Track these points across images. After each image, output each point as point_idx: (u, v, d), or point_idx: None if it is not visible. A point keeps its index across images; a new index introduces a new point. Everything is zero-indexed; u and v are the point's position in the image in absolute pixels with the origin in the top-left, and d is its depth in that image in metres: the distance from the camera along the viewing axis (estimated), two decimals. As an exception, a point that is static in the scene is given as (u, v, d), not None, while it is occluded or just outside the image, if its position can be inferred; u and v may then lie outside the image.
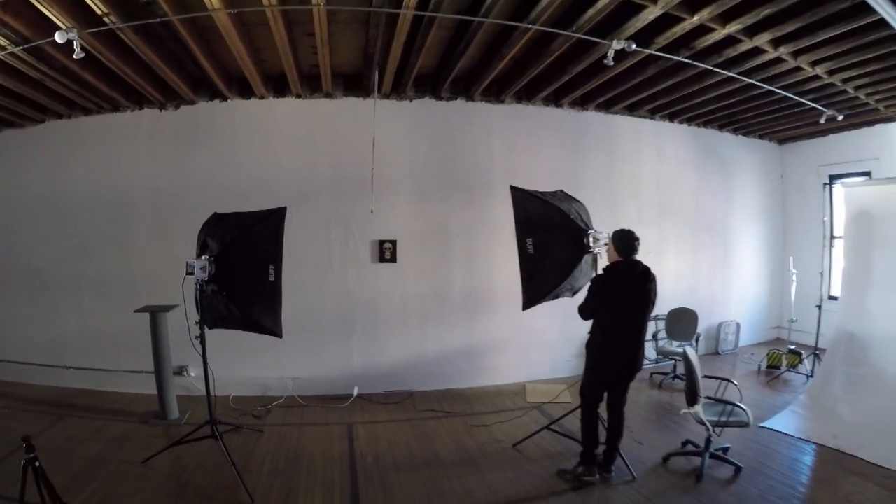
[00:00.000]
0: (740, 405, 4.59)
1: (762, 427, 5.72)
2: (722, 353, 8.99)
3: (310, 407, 6.48)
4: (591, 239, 4.97)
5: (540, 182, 5.64)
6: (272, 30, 4.83)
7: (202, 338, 4.70)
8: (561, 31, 4.96)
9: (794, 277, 8.26)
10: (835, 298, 7.91)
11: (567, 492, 4.44)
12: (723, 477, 4.64)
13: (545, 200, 5.19)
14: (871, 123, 8.38)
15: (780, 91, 6.60)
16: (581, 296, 4.75)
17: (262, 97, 6.84)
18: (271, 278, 4.80)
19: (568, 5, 4.66)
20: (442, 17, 4.65)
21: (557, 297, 5.10)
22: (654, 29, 4.93)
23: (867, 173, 8.51)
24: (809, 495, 4.39)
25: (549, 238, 5.07)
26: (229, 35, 4.83)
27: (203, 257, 4.59)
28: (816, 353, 7.53)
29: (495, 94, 7.30)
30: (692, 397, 4.60)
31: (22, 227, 7.08)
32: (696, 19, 4.61)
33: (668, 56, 5.45)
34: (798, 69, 5.93)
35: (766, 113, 8.18)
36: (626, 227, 4.61)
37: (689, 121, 8.83)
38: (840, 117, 7.44)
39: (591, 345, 4.64)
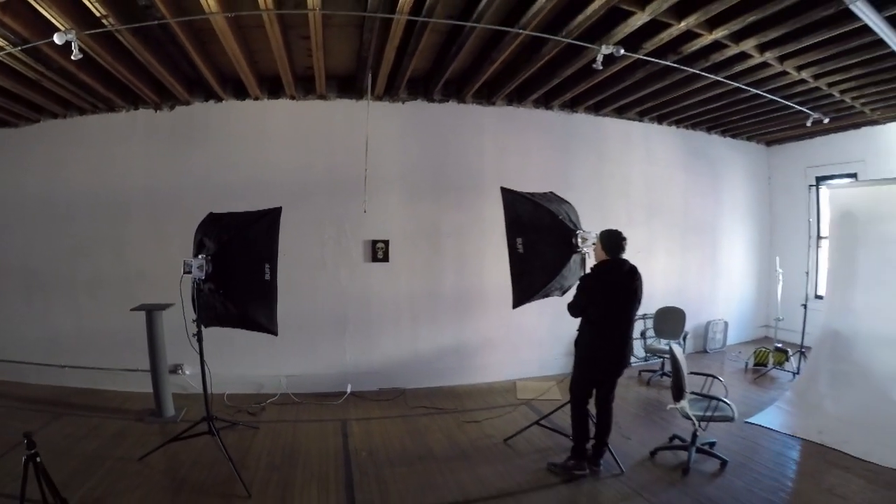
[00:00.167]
0: (725, 400, 4.73)
1: (748, 423, 5.83)
2: (710, 352, 9.12)
3: (304, 404, 6.55)
4: (579, 239, 5.10)
5: (530, 183, 5.75)
6: (268, 33, 4.90)
7: (199, 335, 4.76)
8: (551, 36, 5.04)
9: (781, 277, 8.40)
10: (821, 297, 8.04)
11: (557, 485, 4.55)
12: (709, 471, 4.75)
13: (535, 202, 5.31)
14: (857, 126, 8.53)
15: (766, 94, 6.73)
16: (570, 294, 4.84)
17: (256, 98, 6.91)
18: (267, 277, 4.87)
19: (558, 11, 4.75)
20: (435, 21, 4.74)
21: (547, 295, 5.21)
22: (642, 34, 5.03)
23: (853, 175, 8.65)
24: (794, 488, 4.51)
25: (539, 238, 5.19)
26: (225, 37, 4.90)
27: (200, 256, 4.67)
28: (802, 350, 7.65)
29: (486, 96, 7.39)
30: (678, 393, 4.73)
31: (18, 227, 7.10)
32: (682, 25, 4.73)
33: (655, 60, 5.55)
34: (784, 73, 6.04)
35: (753, 115, 8.30)
36: (614, 228, 4.72)
37: (678, 123, 8.96)
38: (826, 120, 7.56)
39: (579, 342, 4.73)
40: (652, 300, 7.93)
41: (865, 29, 4.68)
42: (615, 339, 4.62)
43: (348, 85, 6.95)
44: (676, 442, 5.19)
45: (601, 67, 5.26)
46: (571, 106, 7.91)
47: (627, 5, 4.43)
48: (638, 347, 8.03)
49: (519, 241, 5.22)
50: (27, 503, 3.11)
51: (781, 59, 5.68)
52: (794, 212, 9.62)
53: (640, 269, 4.71)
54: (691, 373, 4.98)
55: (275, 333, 4.98)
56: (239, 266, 4.83)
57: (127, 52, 5.26)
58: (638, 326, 7.97)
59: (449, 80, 6.71)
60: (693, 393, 4.89)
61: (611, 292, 4.60)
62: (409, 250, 7.36)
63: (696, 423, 4.71)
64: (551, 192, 5.56)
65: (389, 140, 7.13)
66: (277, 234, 5.02)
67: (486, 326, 7.59)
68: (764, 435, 5.59)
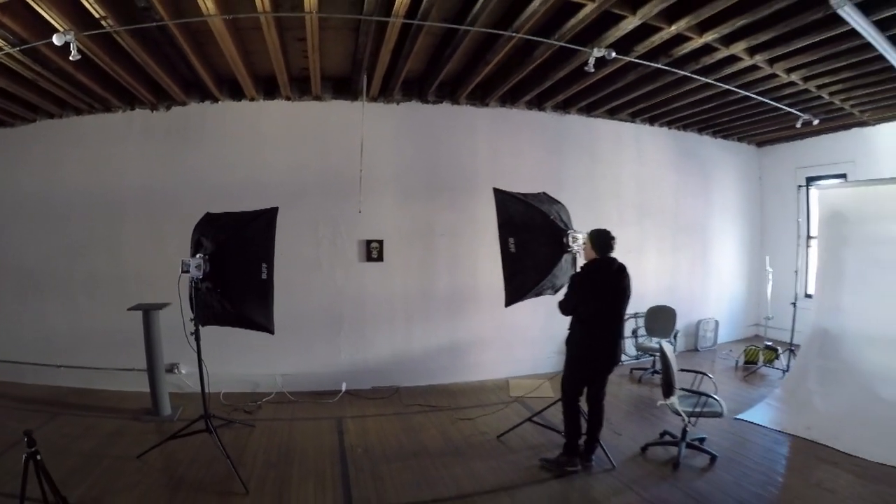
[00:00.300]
0: (714, 396, 4.82)
1: (738, 419, 5.93)
2: (701, 350, 9.22)
3: (299, 402, 6.61)
4: (570, 239, 5.19)
5: (523, 183, 5.82)
6: (265, 35, 4.96)
7: (197, 334, 4.80)
8: (544, 40, 5.13)
9: (770, 276, 8.51)
10: (810, 296, 8.12)
11: (549, 480, 4.62)
12: (699, 465, 4.84)
13: (527, 202, 5.40)
14: (846, 127, 8.64)
15: (756, 96, 6.82)
16: (562, 293, 4.91)
17: (252, 99, 6.95)
18: (263, 276, 4.92)
19: (550, 15, 4.83)
20: (430, 25, 4.82)
21: (539, 294, 5.30)
22: (634, 37, 5.12)
23: (843, 175, 8.75)
24: (783, 482, 4.61)
25: (531, 238, 5.28)
26: (223, 39, 4.95)
27: (198, 256, 4.71)
28: (791, 348, 7.75)
29: (480, 97, 7.46)
30: (668, 389, 4.82)
31: (13, 227, 7.10)
32: (673, 29, 4.82)
33: (647, 63, 5.64)
34: (774, 76, 6.14)
35: (744, 117, 8.40)
36: (605, 227, 4.80)
37: (669, 124, 9.05)
38: (816, 121, 7.66)
39: (571, 340, 4.82)
40: (643, 299, 8.05)
41: (854, 33, 4.76)
42: (606, 337, 4.70)
43: (343, 86, 7.00)
44: (667, 438, 5.26)
45: (593, 70, 5.34)
46: (564, 107, 7.99)
47: (619, 9, 4.51)
48: (629, 346, 8.15)
49: (511, 240, 5.30)
50: (27, 502, 3.13)
51: (771, 61, 5.78)
52: (784, 212, 9.71)
53: (632, 269, 4.78)
54: (681, 370, 5.07)
55: (271, 332, 5.04)
56: (236, 265, 4.87)
57: (124, 53, 5.28)
58: (629, 325, 8.11)
59: (443, 81, 6.78)
60: (683, 389, 4.99)
61: (601, 290, 4.67)
62: (403, 250, 7.42)
63: (686, 418, 4.81)
64: (543, 193, 5.65)
65: (384, 141, 7.19)
66: (274, 234, 5.06)
67: (479, 325, 7.66)
68: (753, 431, 5.67)
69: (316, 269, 7.16)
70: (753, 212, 10.38)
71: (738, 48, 5.32)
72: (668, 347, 4.98)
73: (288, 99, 7.01)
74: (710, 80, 6.18)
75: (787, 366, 7.66)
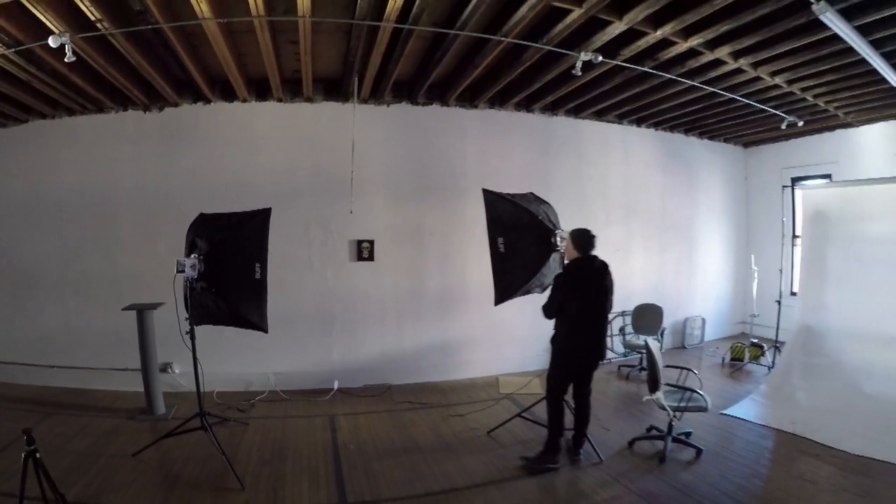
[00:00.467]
0: (698, 391, 4.94)
1: (724, 414, 6.05)
2: (688, 347, 9.36)
3: (292, 401, 6.68)
4: (558, 238, 5.30)
5: (511, 184, 5.92)
6: (258, 38, 5.01)
7: (192, 333, 4.86)
8: (532, 44, 5.23)
9: (756, 275, 8.66)
10: (796, 294, 8.26)
11: (538, 474, 4.72)
12: (685, 459, 4.96)
13: (515, 202, 5.51)
14: (831, 129, 8.78)
15: (741, 99, 6.94)
16: (548, 293, 4.99)
17: (244, 100, 7.00)
18: (257, 276, 5.01)
19: (539, 20, 4.92)
20: (420, 29, 4.90)
21: (527, 292, 5.41)
22: (620, 42, 5.22)
23: (828, 176, 8.89)
24: (767, 474, 4.74)
25: (519, 238, 5.39)
26: (217, 42, 5.00)
27: (193, 256, 4.78)
28: (777, 345, 7.88)
29: (469, 99, 7.53)
30: (653, 384, 4.94)
31: (5, 227, 7.10)
32: (659, 34, 4.92)
33: (633, 66, 5.75)
34: (758, 78, 6.25)
35: (729, 118, 8.53)
36: (590, 227, 4.89)
37: (656, 126, 9.17)
38: (800, 123, 7.78)
39: (556, 339, 4.88)
40: (630, 298, 8.18)
41: (836, 37, 4.84)
42: (590, 334, 4.79)
43: (334, 88, 7.06)
44: (653, 432, 5.38)
45: (580, 73, 5.45)
46: (552, 109, 8.08)
47: (605, 15, 4.60)
48: (617, 343, 8.27)
49: (500, 240, 5.42)
50: (26, 500, 3.16)
51: (755, 65, 5.88)
52: (769, 211, 9.86)
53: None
54: (667, 366, 5.21)
55: (265, 331, 5.11)
56: (230, 265, 4.95)
57: (118, 55, 5.33)
58: (617, 323, 8.22)
59: (433, 83, 6.85)
60: (668, 385, 5.10)
61: (584, 289, 4.75)
62: (393, 250, 7.50)
63: (671, 413, 4.92)
64: (531, 193, 5.75)
65: (375, 142, 7.27)
66: (267, 234, 5.14)
67: (468, 324, 7.76)
68: (739, 425, 5.80)
69: (308, 268, 7.22)
70: (739, 211, 10.53)
71: (722, 52, 5.43)
72: (653, 344, 5.09)
73: (280, 100, 7.07)
74: (695, 83, 6.28)
75: (773, 362, 7.79)
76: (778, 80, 6.27)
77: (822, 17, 4.36)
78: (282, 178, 7.06)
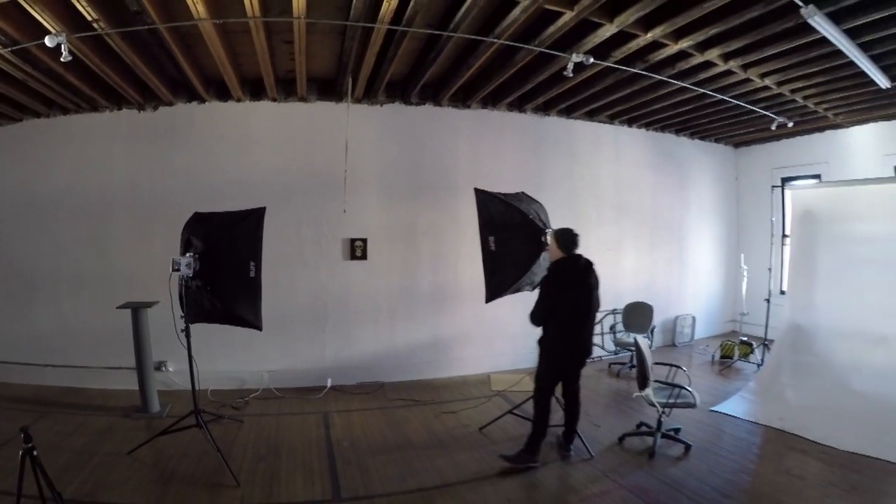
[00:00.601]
0: (687, 388, 5.02)
1: (713, 411, 6.14)
2: (679, 345, 9.45)
3: (286, 398, 6.71)
4: (548, 237, 5.32)
5: (503, 183, 5.98)
6: (253, 38, 5.05)
7: (187, 331, 4.90)
8: (524, 45, 5.30)
9: (745, 273, 8.74)
10: (785, 293, 8.36)
11: (531, 469, 4.77)
12: (674, 454, 5.04)
13: (506, 202, 5.58)
14: (821, 129, 8.88)
15: (731, 100, 7.02)
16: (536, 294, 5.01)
17: (238, 100, 7.03)
18: (252, 274, 5.05)
19: (531, 22, 4.98)
20: (414, 31, 4.95)
21: (518, 290, 5.47)
22: (611, 44, 5.29)
23: (817, 176, 8.99)
24: (755, 469, 4.81)
25: (510, 237, 5.46)
26: (212, 42, 5.03)
27: (188, 254, 4.82)
28: (766, 343, 7.97)
29: (462, 99, 7.60)
30: (643, 381, 5.03)
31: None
32: (649, 36, 4.99)
33: (624, 68, 5.83)
34: (748, 80, 6.34)
35: (720, 119, 8.61)
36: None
37: (647, 126, 9.25)
38: (790, 124, 7.89)
39: (544, 340, 4.91)
40: (621, 296, 8.26)
41: (825, 40, 4.90)
42: (578, 333, 4.83)
43: (328, 88, 7.10)
44: (643, 428, 5.44)
45: (572, 74, 5.53)
46: (544, 109, 8.15)
47: (597, 17, 4.66)
48: (608, 341, 8.33)
49: (491, 239, 5.49)
50: (23, 499, 3.17)
51: (745, 67, 5.95)
52: (759, 211, 9.96)
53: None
54: (656, 363, 5.30)
55: (259, 329, 5.16)
56: (225, 264, 4.98)
57: (114, 54, 5.32)
58: (607, 321, 8.28)
59: (426, 83, 6.87)
60: (657, 381, 5.18)
61: (570, 288, 4.78)
62: (386, 248, 7.56)
63: (660, 409, 5.00)
64: (522, 193, 5.82)
65: (368, 142, 7.31)
66: (262, 233, 5.17)
67: (461, 321, 7.82)
68: (727, 422, 5.88)
69: (301, 267, 7.26)
70: (730, 211, 10.62)
71: (712, 54, 5.50)
72: (642, 342, 5.17)
73: (274, 100, 7.10)
74: (686, 85, 6.36)
75: (762, 360, 7.88)
76: (768, 81, 6.35)
77: (810, 21, 4.41)
78: (276, 177, 7.08)
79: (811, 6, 4.25)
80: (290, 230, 7.09)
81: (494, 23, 4.91)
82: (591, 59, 5.24)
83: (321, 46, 5.87)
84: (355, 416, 6.16)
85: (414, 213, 7.66)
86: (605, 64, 5.64)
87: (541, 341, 4.92)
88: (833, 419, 5.60)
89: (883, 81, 5.95)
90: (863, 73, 5.83)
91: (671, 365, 5.39)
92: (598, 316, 7.64)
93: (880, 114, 7.89)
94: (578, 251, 4.89)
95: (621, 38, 5.14)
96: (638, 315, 8.13)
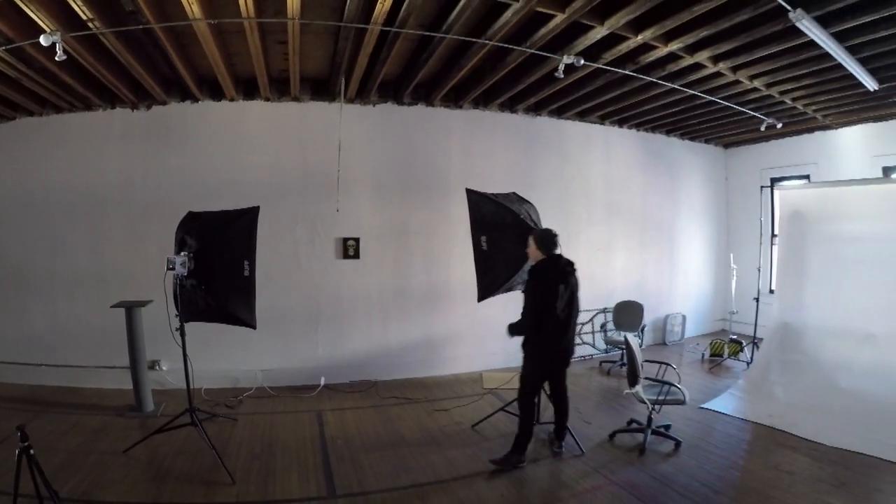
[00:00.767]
0: (677, 385, 5.08)
1: (703, 408, 6.22)
2: (669, 344, 9.53)
3: (279, 397, 6.75)
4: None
5: (495, 183, 6.06)
6: (247, 38, 5.08)
7: (182, 330, 4.92)
8: (516, 47, 5.35)
9: (735, 273, 8.83)
10: (773, 292, 8.43)
11: (522, 465, 4.82)
12: (664, 451, 5.11)
13: (498, 202, 5.63)
14: (810, 131, 8.99)
15: (721, 101, 7.11)
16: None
17: (232, 99, 7.04)
18: (246, 273, 5.08)
19: (523, 24, 5.02)
20: (407, 32, 4.99)
21: (510, 289, 5.53)
22: (602, 45, 5.36)
23: (806, 177, 9.09)
24: (744, 465, 4.89)
25: (502, 236, 5.50)
26: (206, 42, 5.06)
27: (183, 253, 4.84)
28: (755, 342, 8.05)
29: (454, 100, 7.65)
30: (633, 378, 5.09)
31: (-7, 225, 7.07)
32: (639, 39, 5.06)
33: (614, 70, 5.89)
34: (737, 82, 6.41)
35: (710, 120, 8.69)
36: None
37: (638, 126, 9.32)
38: (779, 125, 7.97)
39: (527, 343, 4.88)
40: (612, 295, 8.35)
41: (813, 43, 4.97)
42: (565, 332, 4.82)
43: (321, 87, 7.13)
44: (634, 425, 5.52)
45: (563, 76, 5.58)
46: (535, 110, 8.21)
47: (588, 20, 4.73)
48: (598, 339, 8.41)
49: (483, 238, 5.55)
50: (20, 498, 3.18)
51: (734, 69, 6.03)
52: (749, 211, 10.04)
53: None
54: (646, 361, 5.36)
55: (254, 327, 5.19)
56: (219, 263, 5.02)
57: (108, 53, 5.34)
58: (598, 320, 8.36)
59: (419, 84, 6.93)
60: (647, 378, 5.25)
61: (555, 288, 4.71)
62: (379, 248, 7.60)
63: (650, 406, 5.07)
64: (513, 193, 5.87)
65: (361, 141, 7.36)
66: (255, 232, 5.21)
67: (453, 320, 7.86)
68: (717, 419, 5.96)
69: (294, 266, 7.29)
70: (719, 211, 10.72)
71: (702, 56, 5.57)
72: (633, 340, 5.23)
73: (267, 100, 7.12)
74: (675, 86, 6.44)
75: (751, 358, 7.96)
76: (757, 83, 6.44)
77: (798, 25, 4.47)
78: (269, 176, 7.11)
79: (799, 10, 4.30)
80: (283, 229, 7.12)
81: (487, 24, 4.96)
82: (582, 61, 5.30)
83: (315, 47, 5.91)
84: (349, 414, 6.20)
85: (406, 213, 7.70)
86: (596, 65, 5.71)
87: (525, 344, 4.90)
88: (821, 416, 5.68)
89: (871, 84, 6.04)
90: (851, 76, 5.91)
91: (661, 363, 5.45)
92: (589, 315, 7.75)
93: (868, 115, 8.00)
94: (558, 251, 4.89)
95: (612, 40, 5.20)
96: (628, 314, 8.19)
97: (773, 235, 9.19)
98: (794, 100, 7.23)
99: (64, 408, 6.18)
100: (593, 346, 8.66)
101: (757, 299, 8.31)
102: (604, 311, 8.52)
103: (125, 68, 5.84)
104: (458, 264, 7.49)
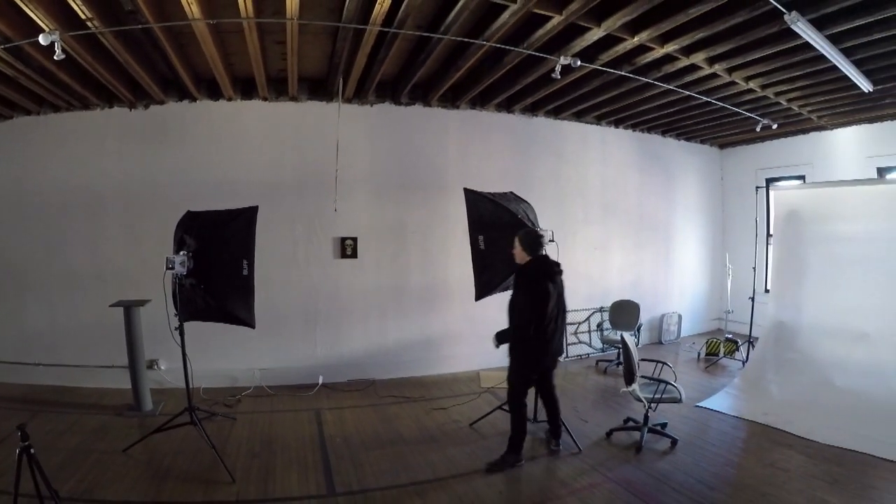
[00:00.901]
0: (673, 383, 5.11)
1: (699, 406, 6.26)
2: (665, 343, 9.57)
3: (278, 396, 6.76)
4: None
5: (492, 183, 6.09)
6: (246, 38, 5.09)
7: (181, 329, 4.93)
8: (513, 48, 5.38)
9: (730, 272, 8.88)
10: (769, 291, 8.47)
11: (521, 462, 4.85)
12: (660, 449, 5.15)
13: (495, 201, 5.66)
14: (805, 131, 9.04)
15: (717, 102, 7.15)
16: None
17: (230, 99, 7.03)
18: (244, 272, 5.10)
19: (520, 25, 5.06)
20: (405, 33, 5.01)
21: (507, 289, 5.49)
22: (599, 47, 5.39)
23: (801, 177, 9.13)
24: (739, 463, 4.92)
25: (499, 236, 5.50)
26: (205, 42, 5.06)
27: (182, 253, 4.85)
28: (750, 341, 8.08)
29: (451, 100, 7.68)
30: (629, 377, 5.13)
31: (-10, 224, 7.06)
32: (636, 40, 5.09)
33: (611, 71, 5.93)
34: (733, 83, 6.44)
35: (706, 120, 8.73)
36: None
37: (634, 127, 9.36)
38: (774, 126, 8.02)
39: (517, 343, 4.85)
40: (608, 294, 8.38)
41: (808, 45, 4.99)
42: (554, 332, 4.81)
43: (319, 87, 7.15)
44: (630, 423, 5.57)
45: (559, 76, 5.63)
46: (532, 110, 8.24)
47: (584, 22, 4.76)
48: (595, 338, 8.45)
49: (481, 238, 5.58)
50: (20, 497, 3.19)
51: (730, 70, 6.07)
52: (744, 211, 10.04)
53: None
54: (642, 359, 5.40)
55: (252, 326, 5.21)
56: (218, 262, 5.03)
57: (106, 52, 5.34)
58: (594, 319, 8.39)
59: (416, 84, 6.94)
60: (643, 377, 5.29)
61: (545, 289, 4.67)
62: (377, 247, 7.62)
63: (647, 404, 5.11)
64: (511, 192, 5.90)
65: (358, 141, 7.37)
66: (254, 232, 5.23)
67: (450, 319, 7.89)
68: (713, 417, 6.00)
69: (293, 265, 7.30)
70: (715, 211, 10.77)
71: (698, 58, 5.61)
72: (629, 338, 5.26)
73: (265, 99, 7.12)
74: (671, 87, 6.48)
75: (747, 357, 7.99)
76: (752, 84, 6.48)
77: (793, 27, 4.49)
78: (267, 175, 7.12)
79: (794, 12, 4.32)
80: (281, 229, 7.12)
81: (484, 26, 4.98)
82: (579, 62, 5.34)
83: (313, 47, 5.92)
84: (347, 413, 6.22)
85: (404, 212, 7.73)
86: (593, 66, 5.75)
87: (513, 346, 4.88)
88: (816, 414, 5.72)
89: (865, 85, 6.07)
90: (846, 78, 5.94)
91: (657, 361, 5.48)
92: (585, 314, 7.78)
93: (863, 116, 8.05)
94: (544, 252, 4.90)
95: (608, 41, 5.24)
96: (625, 313, 8.22)
97: (769, 235, 9.23)
98: (789, 101, 7.27)
99: (62, 407, 6.17)
100: (590, 345, 8.69)
101: (752, 298, 8.35)
102: (600, 310, 8.56)
103: (123, 68, 5.83)
104: (455, 263, 7.51)
